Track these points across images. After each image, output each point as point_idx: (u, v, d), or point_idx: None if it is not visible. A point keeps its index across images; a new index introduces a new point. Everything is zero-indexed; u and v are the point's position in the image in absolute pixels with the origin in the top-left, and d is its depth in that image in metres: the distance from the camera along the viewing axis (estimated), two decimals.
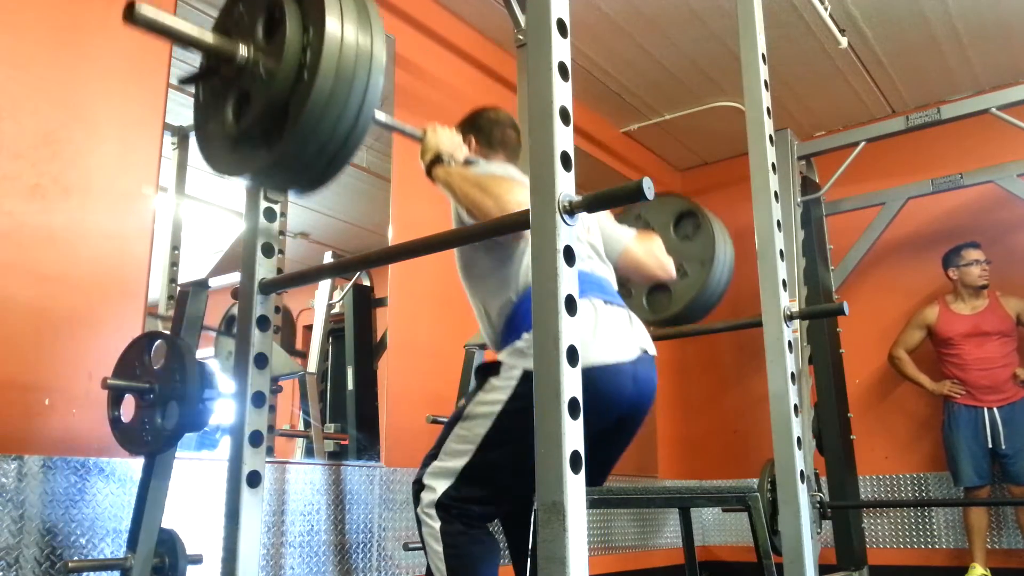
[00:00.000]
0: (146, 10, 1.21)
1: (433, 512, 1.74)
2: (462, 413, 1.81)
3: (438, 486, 1.75)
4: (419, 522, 1.78)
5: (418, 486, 1.80)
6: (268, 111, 1.22)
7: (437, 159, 1.85)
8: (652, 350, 1.88)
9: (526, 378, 1.70)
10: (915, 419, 4.30)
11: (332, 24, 1.21)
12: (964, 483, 3.84)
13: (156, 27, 1.23)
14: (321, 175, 1.30)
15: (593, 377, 1.58)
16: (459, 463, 1.75)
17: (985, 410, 3.84)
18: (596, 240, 1.98)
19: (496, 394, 1.75)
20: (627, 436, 1.91)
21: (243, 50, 1.29)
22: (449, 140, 1.90)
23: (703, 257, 2.38)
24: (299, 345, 3.09)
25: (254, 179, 1.33)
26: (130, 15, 1.20)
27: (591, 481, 1.56)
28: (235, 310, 1.61)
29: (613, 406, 1.76)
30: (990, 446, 3.79)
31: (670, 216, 2.51)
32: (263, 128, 1.25)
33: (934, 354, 4.09)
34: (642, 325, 1.90)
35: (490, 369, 1.80)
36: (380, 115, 1.68)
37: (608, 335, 1.76)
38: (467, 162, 1.94)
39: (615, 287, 1.94)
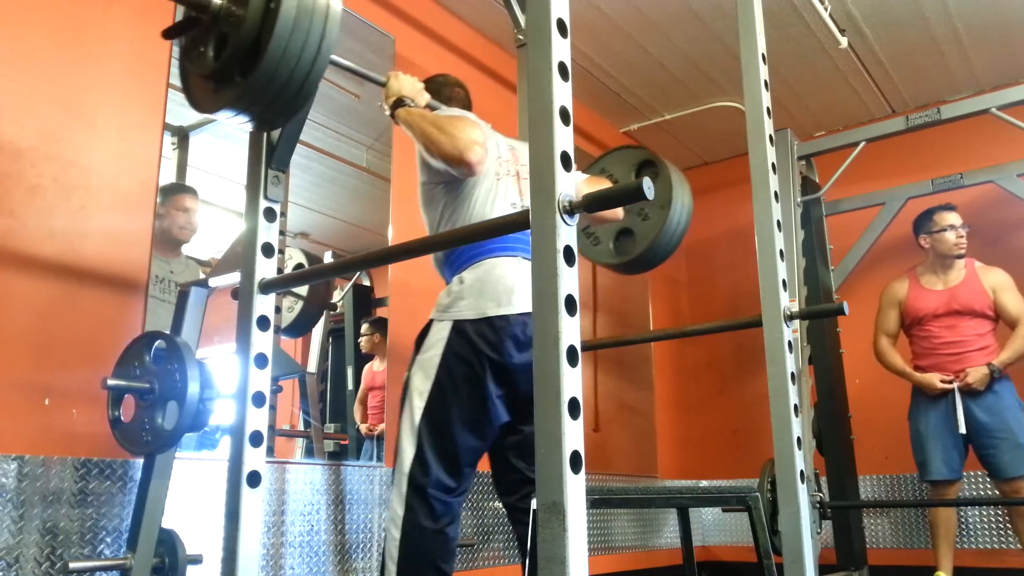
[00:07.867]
0: None
1: (405, 491, 1.85)
2: (408, 386, 1.94)
3: (404, 463, 1.88)
4: (389, 508, 1.90)
5: (392, 474, 1.93)
6: (242, 47, 1.42)
7: (400, 102, 2.06)
8: None
9: (455, 330, 1.87)
10: None
11: None
12: (933, 476, 3.52)
13: None
14: (289, 104, 1.48)
15: (507, 323, 1.84)
16: (414, 433, 1.88)
17: (957, 394, 3.49)
18: None
19: (432, 351, 1.90)
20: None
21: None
22: (411, 85, 2.11)
23: (662, 201, 2.59)
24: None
25: (233, 110, 1.49)
26: None
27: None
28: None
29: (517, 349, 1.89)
30: (961, 431, 3.43)
31: (631, 166, 2.72)
32: (239, 62, 1.43)
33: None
34: None
35: (423, 333, 1.97)
36: (339, 59, 1.93)
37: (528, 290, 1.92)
38: (428, 107, 2.14)
39: None
